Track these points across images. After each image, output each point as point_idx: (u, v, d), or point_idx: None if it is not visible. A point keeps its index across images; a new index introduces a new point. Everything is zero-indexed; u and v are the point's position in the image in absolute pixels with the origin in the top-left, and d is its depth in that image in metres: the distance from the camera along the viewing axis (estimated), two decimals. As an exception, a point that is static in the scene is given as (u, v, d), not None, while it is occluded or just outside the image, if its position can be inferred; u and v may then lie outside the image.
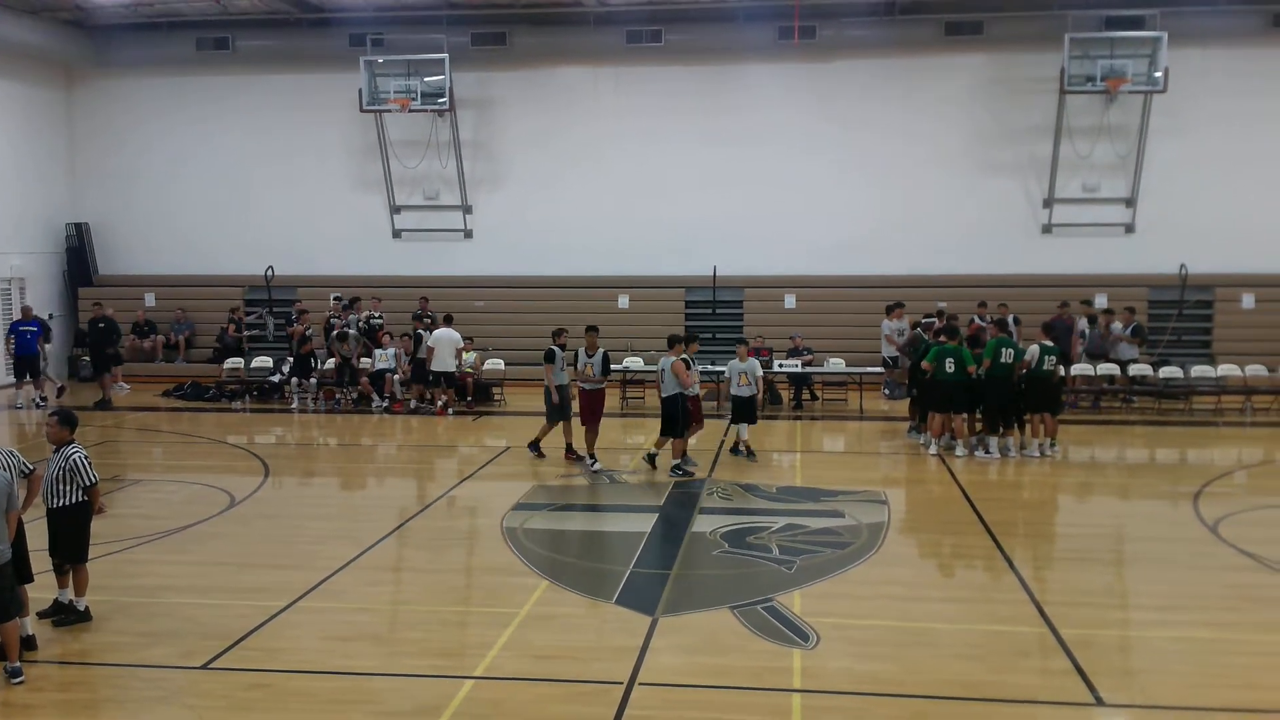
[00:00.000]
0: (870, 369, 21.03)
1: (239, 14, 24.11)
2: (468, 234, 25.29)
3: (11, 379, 21.39)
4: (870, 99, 23.82)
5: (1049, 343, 15.82)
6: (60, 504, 8.59)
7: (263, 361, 22.87)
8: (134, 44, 24.93)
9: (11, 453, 8.16)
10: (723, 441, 16.26)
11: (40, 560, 8.51)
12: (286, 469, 15.57)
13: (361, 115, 24.17)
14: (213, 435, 18.14)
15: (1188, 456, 16.77)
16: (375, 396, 20.54)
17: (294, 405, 20.90)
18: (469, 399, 20.45)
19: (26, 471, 8.22)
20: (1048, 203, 23.58)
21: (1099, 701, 7.27)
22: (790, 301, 23.95)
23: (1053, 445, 15.83)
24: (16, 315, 21.84)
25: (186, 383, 22.68)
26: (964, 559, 10.92)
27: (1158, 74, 21.72)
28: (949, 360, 15.47)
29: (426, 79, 23.52)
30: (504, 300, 24.58)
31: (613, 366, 21.20)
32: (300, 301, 22.82)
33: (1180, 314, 22.81)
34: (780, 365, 20.57)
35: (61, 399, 21.18)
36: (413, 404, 20.34)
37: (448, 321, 20.27)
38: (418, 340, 20.39)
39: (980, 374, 15.51)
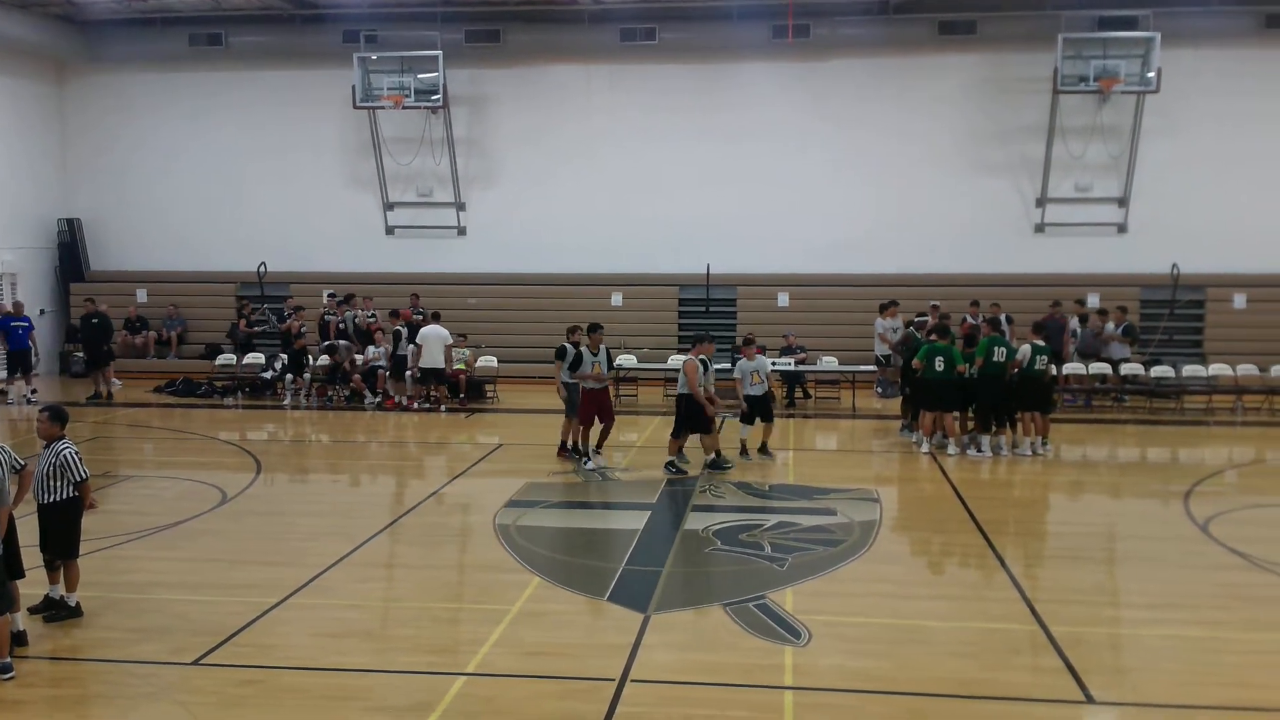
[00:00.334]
0: (863, 367, 21.07)
1: (232, 10, 24.06)
2: (461, 231, 25.27)
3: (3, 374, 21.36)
4: (864, 98, 23.85)
5: (1040, 342, 15.85)
6: (51, 500, 8.56)
7: (255, 358, 22.82)
8: (126, 39, 24.86)
9: (2, 448, 8.14)
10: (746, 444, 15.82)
11: (31, 556, 8.49)
12: (278, 465, 15.55)
13: (355, 112, 24.13)
14: (204, 431, 18.11)
15: (1179, 456, 16.82)
16: (367, 393, 20.53)
17: (286, 402, 20.86)
18: (462, 396, 20.43)
19: (18, 467, 8.19)
20: (1040, 202, 23.64)
21: (1090, 699, 7.29)
22: (783, 300, 23.96)
23: (1044, 444, 15.86)
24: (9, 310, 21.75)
25: (178, 379, 22.63)
26: (956, 557, 10.94)
27: (1150, 74, 21.78)
28: (939, 359, 15.50)
29: (420, 76, 23.50)
30: (497, 298, 24.56)
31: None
32: (292, 298, 22.77)
33: (1172, 313, 22.87)
34: (773, 363, 20.55)
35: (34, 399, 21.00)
36: (401, 401, 20.30)
37: (435, 319, 20.22)
38: (396, 338, 20.35)
39: (972, 373, 15.54)
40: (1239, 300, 22.91)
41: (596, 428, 15.03)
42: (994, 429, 15.85)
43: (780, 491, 13.53)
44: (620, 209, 24.30)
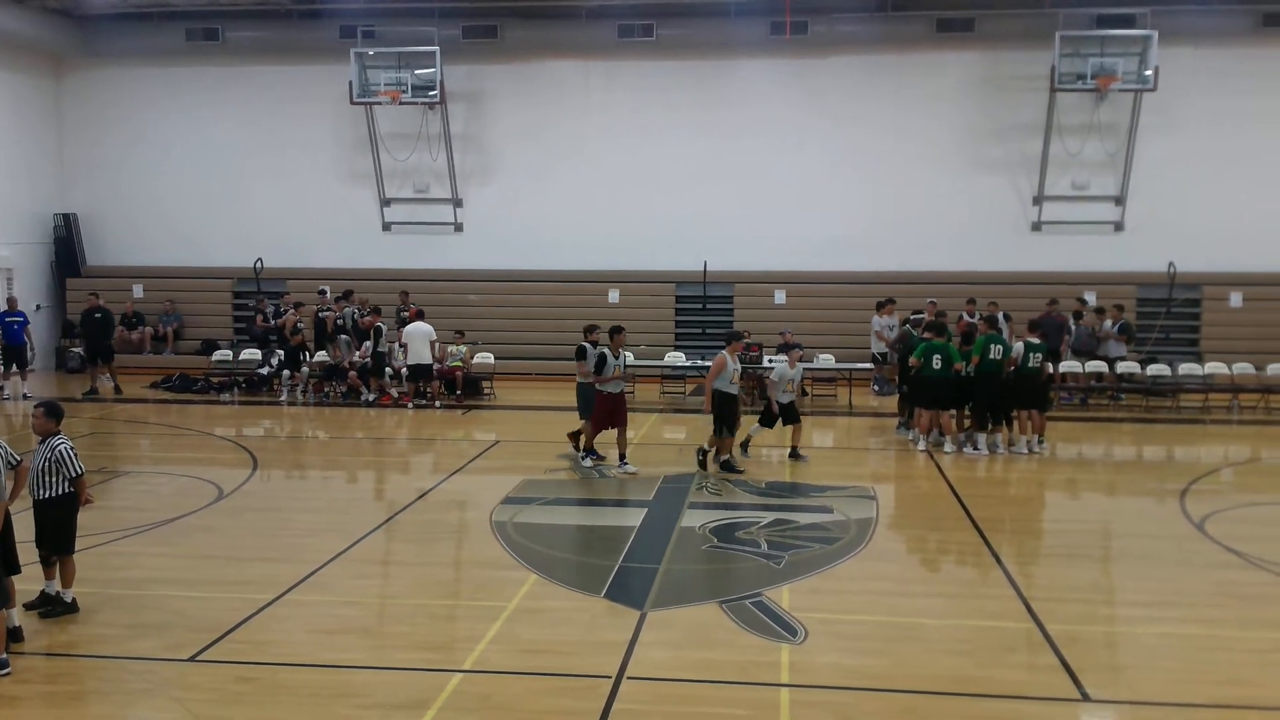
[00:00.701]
0: (860, 365, 21.09)
1: (229, 5, 24.04)
2: (458, 227, 25.25)
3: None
4: (861, 95, 23.86)
5: (1034, 340, 15.86)
6: (47, 495, 8.55)
7: (252, 353, 22.80)
8: (123, 34, 24.83)
9: (-2, 444, 8.12)
10: (792, 448, 15.50)
11: (27, 551, 8.47)
12: (275, 462, 15.54)
13: (352, 107, 24.11)
14: (201, 428, 18.09)
15: (1174, 454, 16.84)
16: (364, 390, 20.52)
17: (283, 398, 20.85)
18: (459, 393, 20.42)
19: (14, 463, 8.18)
20: (1037, 200, 23.66)
21: (1085, 697, 7.29)
22: (780, 297, 23.97)
23: (1040, 442, 15.88)
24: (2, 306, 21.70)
25: (175, 374, 22.60)
26: (952, 555, 10.95)
27: (1148, 72, 21.80)
28: (936, 357, 15.50)
29: (417, 72, 23.48)
30: (494, 294, 24.55)
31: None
32: (289, 294, 22.73)
33: (1168, 312, 22.92)
34: (770, 361, 20.55)
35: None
36: (371, 397, 20.28)
37: (419, 316, 20.21)
38: (377, 334, 20.32)
39: (969, 371, 15.55)
40: (1235, 299, 22.95)
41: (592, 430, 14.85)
42: (990, 427, 15.86)
43: (777, 489, 13.53)
44: (617, 206, 24.29)
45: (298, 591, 9.38)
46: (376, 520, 11.89)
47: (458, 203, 25.15)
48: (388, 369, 20.76)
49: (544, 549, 10.85)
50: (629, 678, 7.54)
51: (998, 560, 10.41)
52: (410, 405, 19.83)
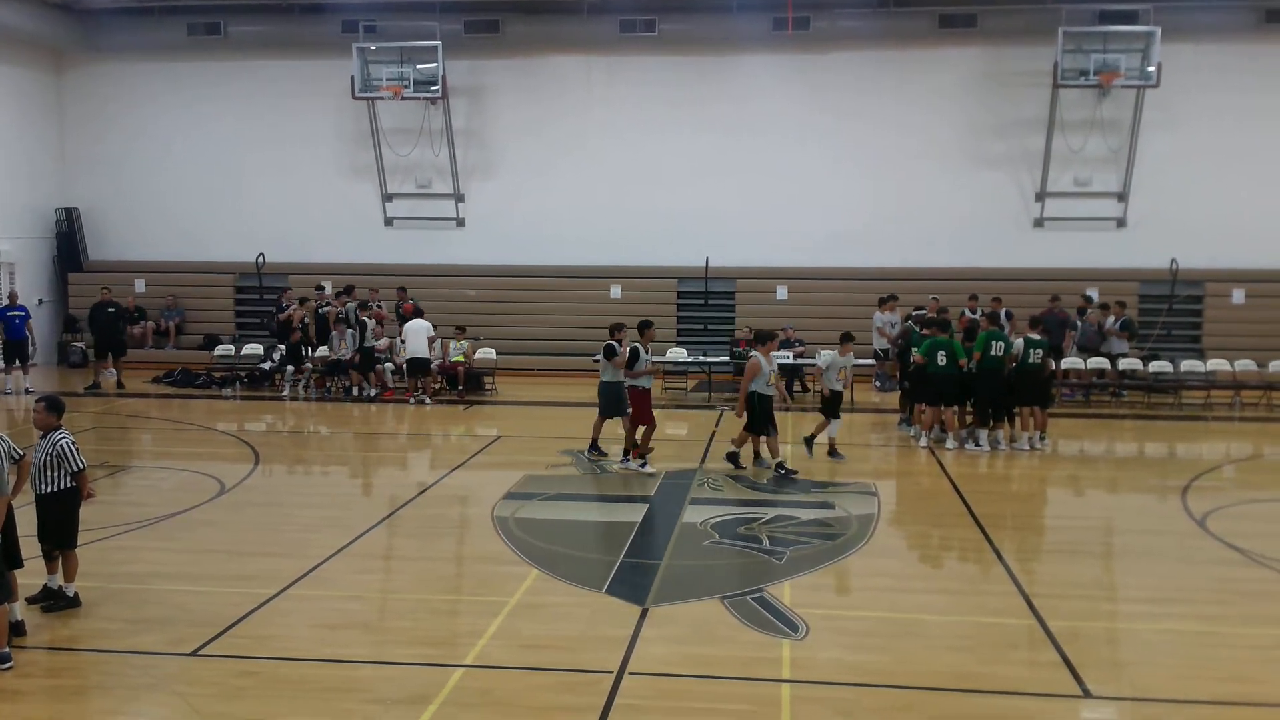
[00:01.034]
0: (861, 361, 21.01)
1: (231, -1, 24.03)
2: (460, 222, 25.24)
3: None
4: (863, 91, 23.83)
5: (1035, 336, 15.85)
6: (49, 490, 8.56)
7: (254, 348, 22.81)
8: (125, 28, 24.82)
9: (1, 438, 8.13)
10: (811, 441, 15.21)
11: (29, 546, 8.48)
12: (277, 456, 15.54)
13: (354, 102, 24.09)
14: (203, 422, 18.10)
15: (1176, 451, 16.83)
16: (362, 384, 20.51)
17: (285, 393, 20.85)
18: (460, 388, 20.42)
19: (16, 457, 8.18)
20: (1040, 196, 23.63)
21: (1086, 693, 7.30)
22: (782, 293, 23.95)
23: (1042, 438, 15.87)
24: (4, 301, 21.71)
25: (177, 369, 22.61)
26: (953, 551, 10.95)
27: (1150, 69, 21.75)
28: (941, 353, 15.49)
29: (419, 66, 23.45)
30: (496, 289, 24.54)
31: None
32: (291, 289, 22.71)
33: (1170, 308, 22.89)
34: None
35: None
36: (358, 391, 20.26)
37: (416, 313, 20.24)
38: (362, 328, 20.29)
39: (971, 367, 15.54)
40: (1237, 295, 22.92)
41: (603, 423, 14.79)
42: (992, 423, 15.86)
43: (778, 485, 13.52)
44: (619, 201, 24.27)
45: (300, 586, 9.39)
46: (378, 515, 11.89)
47: (459, 198, 25.14)
48: (389, 364, 20.76)
49: (546, 544, 10.86)
50: (630, 673, 7.55)
51: (999, 556, 10.41)
52: (411, 400, 19.84)
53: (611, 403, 14.41)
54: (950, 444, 15.74)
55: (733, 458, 14.32)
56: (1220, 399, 20.06)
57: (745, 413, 13.98)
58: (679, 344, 23.06)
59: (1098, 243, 23.50)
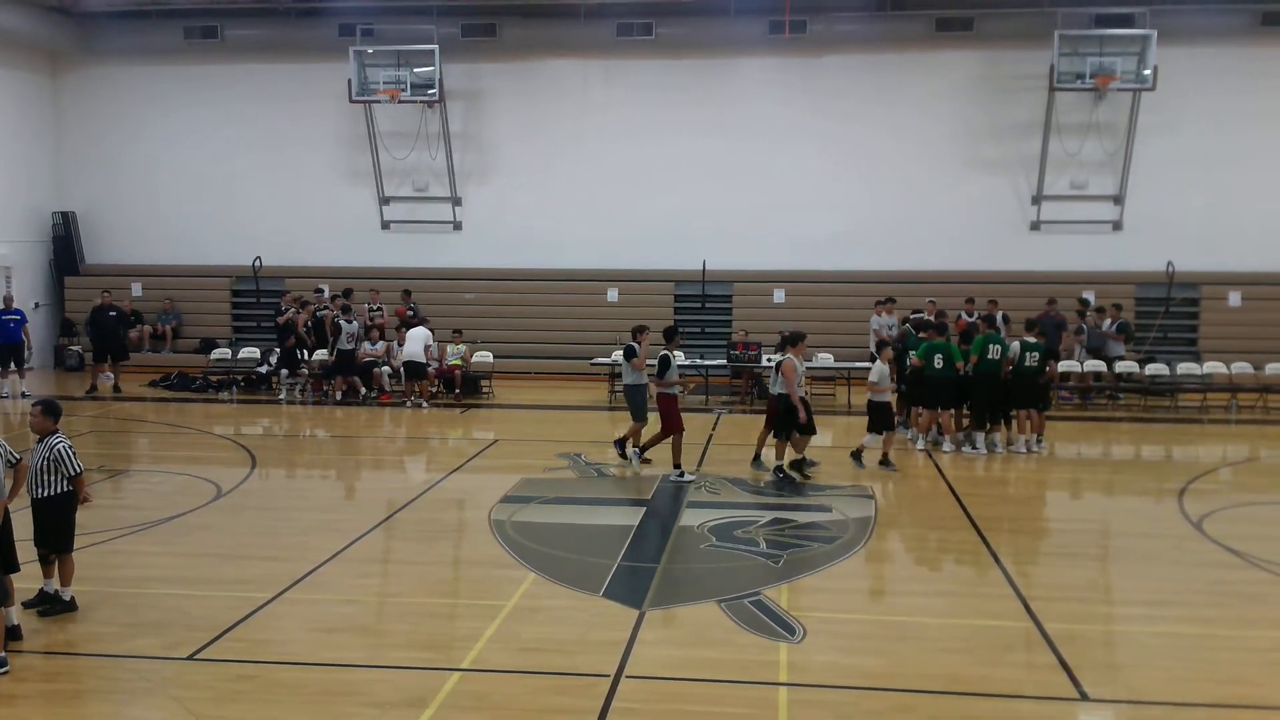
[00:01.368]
0: (858, 364, 21.04)
1: (228, 3, 24.05)
2: (457, 226, 25.25)
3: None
4: (860, 94, 23.86)
5: (1031, 339, 15.86)
6: (45, 494, 8.55)
7: (250, 352, 22.80)
8: (121, 32, 24.81)
9: (-3, 442, 8.12)
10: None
11: (26, 550, 8.47)
12: (273, 460, 15.53)
13: (351, 106, 24.10)
14: (199, 426, 18.08)
15: (1173, 453, 16.85)
16: (363, 388, 20.51)
17: (281, 397, 20.83)
18: (457, 391, 20.42)
19: (13, 461, 8.18)
20: (1036, 199, 23.66)
21: (1083, 696, 7.30)
22: (779, 296, 23.97)
23: (1039, 441, 15.88)
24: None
25: (173, 373, 22.58)
26: (950, 554, 10.95)
27: (1146, 72, 21.81)
28: (938, 356, 15.50)
29: (416, 70, 23.48)
30: (493, 293, 24.55)
31: (601, 360, 21.41)
32: (290, 293, 22.69)
33: (1167, 311, 22.93)
34: (768, 360, 20.55)
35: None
36: (338, 395, 20.25)
37: (421, 321, 20.40)
38: (335, 331, 20.25)
39: (968, 370, 15.55)
40: (1234, 298, 22.96)
41: (618, 426, 14.69)
42: (989, 426, 15.86)
43: (775, 488, 13.52)
44: (616, 205, 24.28)
45: (296, 590, 9.38)
46: (375, 519, 11.88)
47: (456, 201, 25.15)
48: (386, 368, 20.75)
49: (543, 548, 10.85)
50: (627, 676, 7.55)
51: (996, 559, 10.41)
52: (408, 404, 19.83)
53: (636, 408, 14.39)
54: (947, 447, 15.75)
55: (798, 465, 13.98)
56: (1217, 401, 20.08)
57: (776, 416, 13.82)
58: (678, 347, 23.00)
59: (1094, 246, 23.53)
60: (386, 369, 20.75)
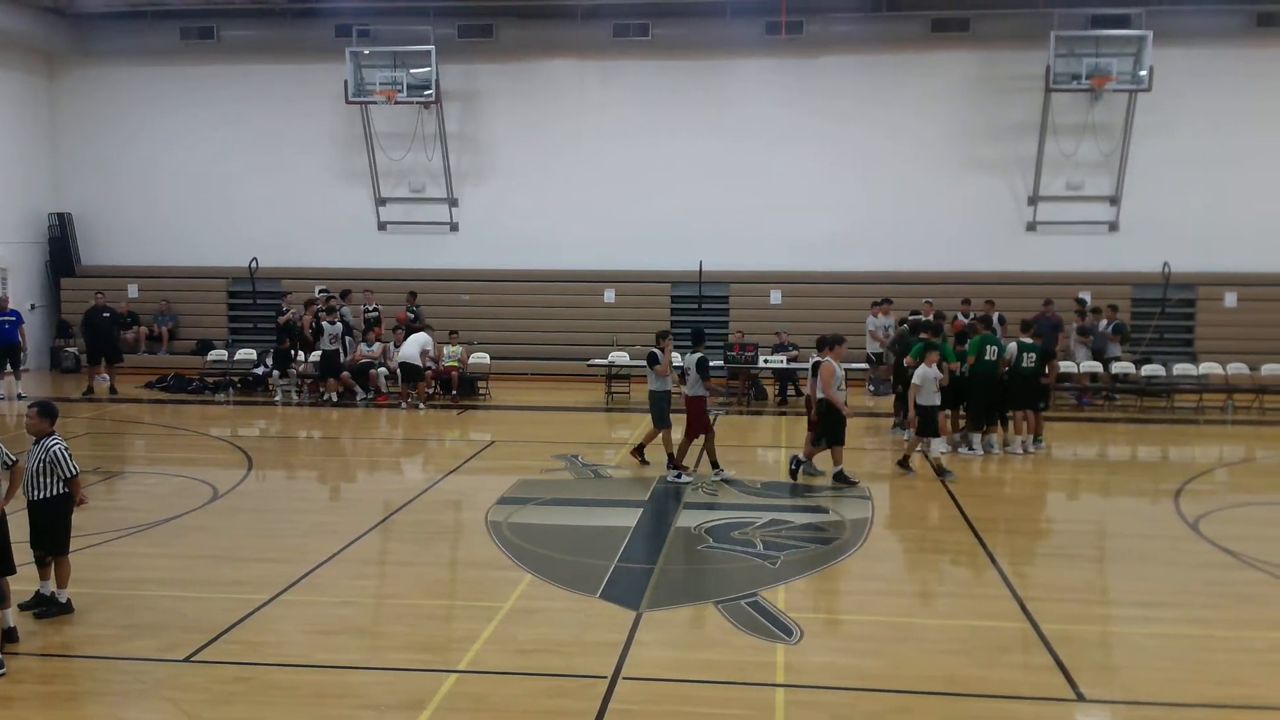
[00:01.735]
0: (855, 365, 21.05)
1: (224, 3, 24.03)
2: (453, 227, 25.24)
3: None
4: (857, 95, 23.89)
5: (1028, 340, 15.87)
6: (41, 496, 8.54)
7: (247, 353, 22.78)
8: (118, 33, 24.79)
9: (-7, 444, 8.11)
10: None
11: (22, 552, 8.45)
12: (270, 462, 15.52)
13: (347, 107, 24.09)
14: (196, 428, 18.06)
15: (1169, 454, 16.88)
16: (359, 390, 20.50)
17: (277, 398, 20.81)
18: (454, 393, 20.41)
19: (9, 463, 8.16)
20: (1032, 200, 23.69)
21: (1080, 697, 7.30)
22: (776, 297, 23.98)
23: (1036, 442, 15.89)
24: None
25: (170, 374, 22.55)
26: (947, 555, 10.95)
27: (1142, 73, 21.86)
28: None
29: (412, 71, 23.47)
30: (489, 294, 24.55)
31: (598, 361, 21.42)
32: (290, 294, 22.64)
33: (1163, 312, 22.96)
34: (765, 361, 20.60)
35: None
36: (333, 397, 20.24)
37: (424, 327, 20.46)
38: (318, 334, 20.20)
39: (964, 371, 15.56)
40: (1230, 299, 23.00)
41: (643, 431, 14.54)
42: (985, 427, 15.87)
43: (772, 489, 13.53)
44: (613, 205, 24.29)
45: (293, 592, 9.37)
46: (372, 520, 11.87)
47: (453, 202, 25.14)
48: (383, 369, 20.75)
49: (539, 549, 10.84)
50: (624, 678, 7.54)
51: (992, 560, 10.42)
52: (404, 405, 19.82)
53: (659, 413, 14.25)
54: (944, 448, 15.72)
55: (840, 476, 13.65)
56: (1213, 402, 20.12)
57: (818, 421, 13.68)
58: (673, 348, 22.99)
59: (1090, 246, 23.57)
60: (383, 370, 20.73)
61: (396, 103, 23.67)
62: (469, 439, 17.41)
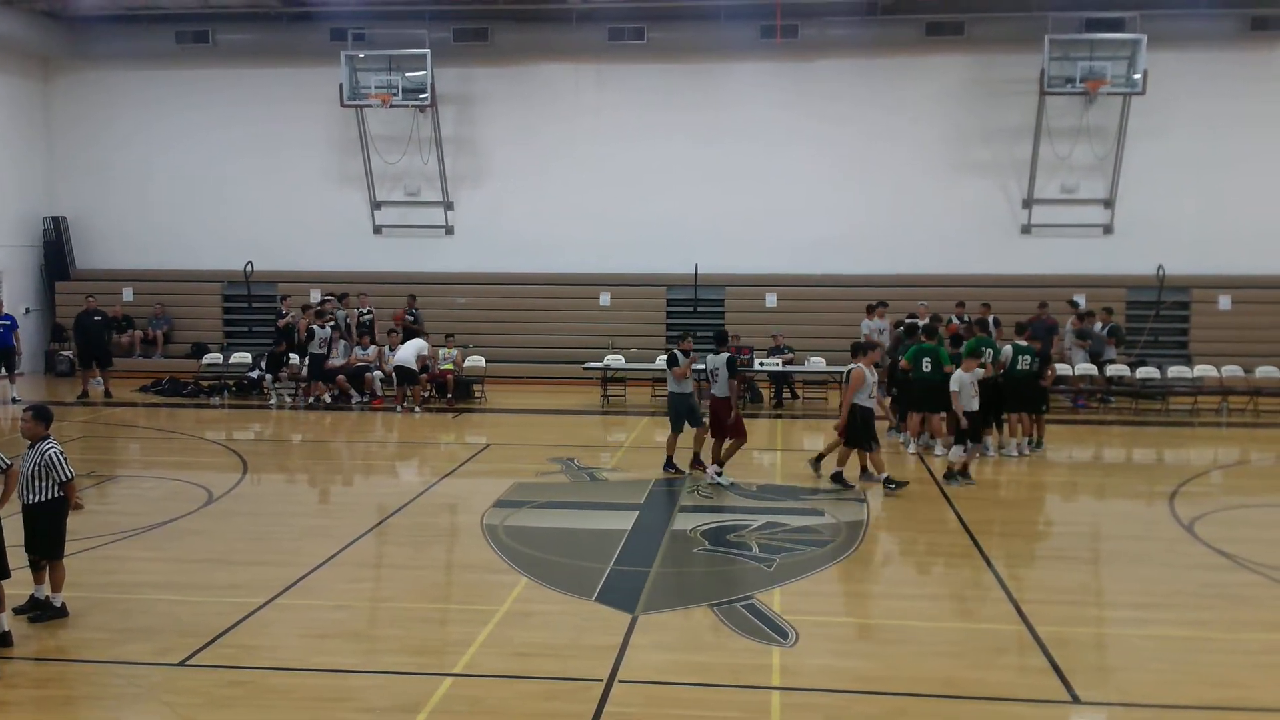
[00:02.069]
0: (851, 367, 21.05)
1: (219, 7, 23.99)
2: (449, 230, 25.23)
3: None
4: (852, 98, 23.92)
5: (1023, 343, 15.88)
6: (36, 500, 8.52)
7: (241, 357, 22.76)
8: (113, 36, 24.76)
9: (-13, 448, 8.10)
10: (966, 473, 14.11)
11: (16, 556, 8.44)
12: (265, 465, 15.50)
13: (342, 110, 24.08)
14: (191, 431, 18.04)
15: (1164, 456, 16.91)
16: (354, 393, 20.49)
17: (272, 402, 20.79)
18: (449, 396, 20.40)
19: (4, 467, 8.15)
20: (1027, 203, 23.74)
21: (1075, 699, 7.31)
22: (771, 300, 24.00)
23: (1035, 445, 15.90)
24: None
25: (164, 378, 22.52)
26: (942, 557, 10.97)
27: (1137, 76, 21.90)
28: (926, 359, 15.52)
29: (408, 74, 23.46)
30: (485, 297, 24.55)
31: (593, 364, 21.41)
32: (289, 296, 22.62)
33: (1157, 315, 23.00)
34: (761, 364, 20.61)
35: None
36: (328, 399, 20.24)
37: (413, 329, 20.55)
38: (309, 336, 20.19)
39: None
40: (1224, 301, 23.04)
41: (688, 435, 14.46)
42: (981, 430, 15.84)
43: (768, 492, 13.54)
44: (608, 208, 24.30)
45: (288, 595, 9.36)
46: (367, 524, 11.86)
47: (448, 205, 25.14)
48: (378, 373, 20.74)
49: (535, 552, 10.83)
50: (620, 681, 7.54)
51: (988, 563, 10.43)
52: (399, 408, 19.82)
53: (680, 414, 14.21)
54: (939, 450, 15.76)
55: (838, 478, 13.67)
56: (1207, 404, 20.16)
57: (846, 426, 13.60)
58: (668, 351, 22.95)
59: (1085, 249, 23.61)
60: (378, 373, 20.72)
61: (392, 106, 23.68)
62: (464, 442, 17.40)
